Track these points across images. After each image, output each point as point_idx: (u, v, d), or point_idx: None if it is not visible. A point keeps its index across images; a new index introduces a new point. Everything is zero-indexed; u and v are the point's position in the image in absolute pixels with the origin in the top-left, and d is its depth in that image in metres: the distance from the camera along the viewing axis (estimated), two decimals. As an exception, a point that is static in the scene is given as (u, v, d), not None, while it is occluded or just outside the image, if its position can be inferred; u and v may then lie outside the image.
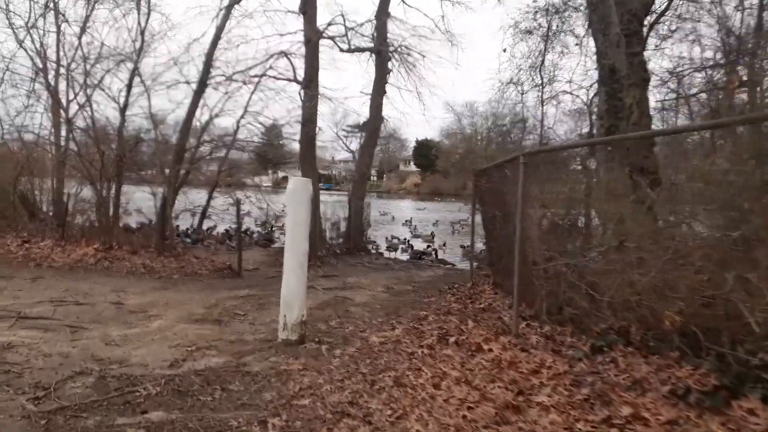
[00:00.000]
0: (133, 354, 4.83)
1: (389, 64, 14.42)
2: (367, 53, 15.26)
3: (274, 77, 12.14)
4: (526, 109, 11.83)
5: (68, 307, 6.65)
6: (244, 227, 20.03)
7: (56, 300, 7.01)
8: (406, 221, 29.10)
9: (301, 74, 12.65)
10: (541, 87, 11.67)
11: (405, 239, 19.01)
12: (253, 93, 15.67)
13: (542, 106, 11.65)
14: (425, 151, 69.86)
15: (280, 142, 17.56)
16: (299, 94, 12.63)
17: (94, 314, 6.37)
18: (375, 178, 73.38)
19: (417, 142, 64.74)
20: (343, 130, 21.07)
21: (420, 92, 14.65)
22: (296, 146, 23.17)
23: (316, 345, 5.14)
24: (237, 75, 14.40)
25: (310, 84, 11.36)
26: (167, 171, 13.50)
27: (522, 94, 11.98)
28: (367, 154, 14.28)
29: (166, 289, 8.18)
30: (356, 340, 5.38)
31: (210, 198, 16.96)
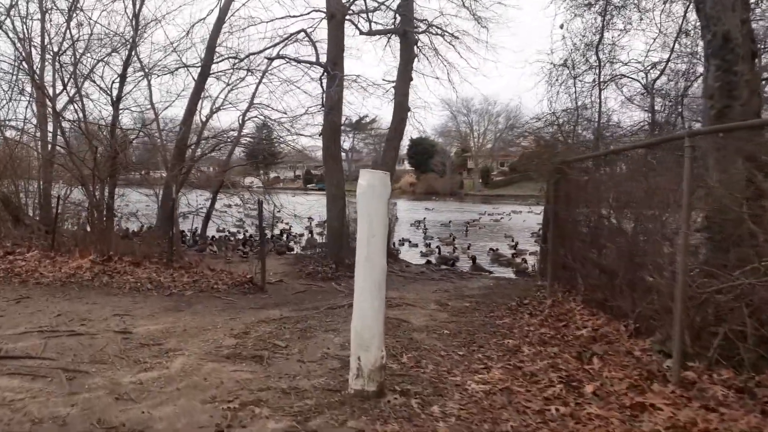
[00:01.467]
0: (156, 416, 3.57)
1: (415, 49, 13.17)
2: (386, 37, 14.08)
3: (295, 60, 10.86)
4: (583, 95, 10.60)
5: (62, 340, 5.37)
6: (245, 232, 18.80)
7: (46, 329, 5.74)
8: (417, 222, 27.87)
9: (320, 58, 11.41)
10: (598, 69, 10.43)
11: (428, 243, 17.83)
12: (260, 82, 14.51)
13: (600, 90, 10.42)
14: (420, 150, 68.98)
15: (291, 137, 16.24)
16: (320, 80, 11.37)
17: (96, 349, 5.09)
18: (370, 178, 72.18)
19: (411, 140, 63.85)
20: (318, 134, 19.90)
21: (452, 80, 13.41)
22: (305, 142, 21.93)
23: (402, 398, 3.88)
24: (248, 58, 13.20)
25: (334, 66, 10.09)
26: (169, 168, 12.27)
27: (574, 78, 10.75)
28: (392, 148, 13.00)
29: (180, 311, 6.90)
30: (450, 388, 4.12)
31: (215, 199, 15.69)
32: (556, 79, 10.72)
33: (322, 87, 11.27)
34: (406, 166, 73.22)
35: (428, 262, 13.46)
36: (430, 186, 65.73)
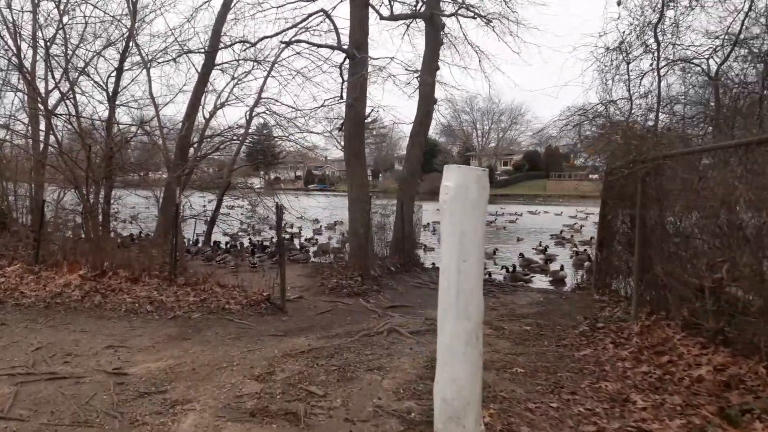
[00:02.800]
0: None
1: (441, 35, 12.05)
2: (405, 24, 12.98)
3: (314, 44, 9.71)
4: (638, 82, 9.45)
5: (38, 387, 4.27)
6: (248, 236, 17.64)
7: (20, 370, 4.64)
8: (426, 224, 26.64)
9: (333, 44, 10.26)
10: (656, 52, 9.27)
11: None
12: (269, 72, 13.44)
13: (659, 77, 9.26)
14: (425, 149, 67.50)
15: (301, 134, 15.09)
16: (339, 69, 10.25)
17: (81, 401, 3.99)
18: (371, 178, 71.43)
19: None
20: (337, 129, 19.15)
21: (483, 68, 12.30)
22: (314, 140, 20.79)
23: (512, 492, 2.74)
24: (256, 48, 12.10)
25: (358, 51, 8.95)
26: (171, 168, 11.19)
27: (628, 63, 9.60)
28: (416, 144, 11.87)
29: (186, 339, 5.79)
30: (568, 470, 2.99)
31: (220, 202, 14.57)
32: (611, 64, 9.56)
33: (342, 77, 10.16)
34: (409, 166, 72.36)
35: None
36: (434, 186, 64.37)
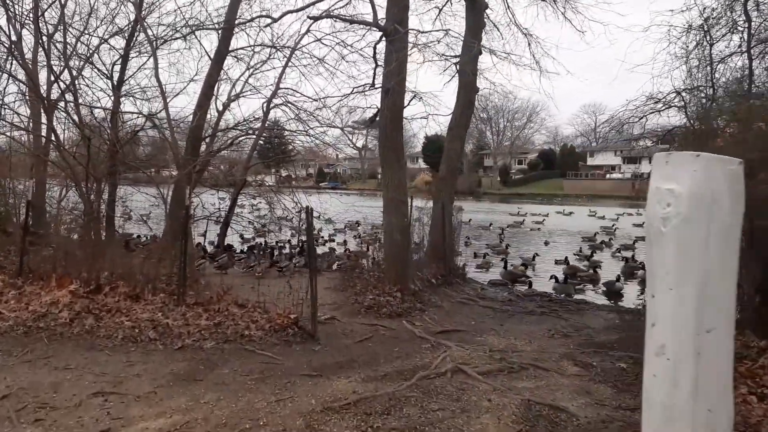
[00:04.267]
0: None
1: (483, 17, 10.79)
2: (437, 8, 11.71)
3: (347, 20, 8.45)
4: (722, 66, 8.13)
5: (-9, 466, 3.08)
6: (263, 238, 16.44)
7: (-27, 435, 3.45)
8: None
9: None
10: (747, 31, 7.93)
11: (484, 253, 15.42)
12: (290, 58, 12.26)
13: (750, 60, 7.92)
14: (436, 148, 66.57)
15: (322, 128, 13.83)
16: (373, 51, 9.00)
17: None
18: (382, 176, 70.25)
19: (426, 138, 62.20)
20: (349, 126, 17.86)
21: (534, 54, 10.97)
22: (335, 133, 19.60)
23: None
24: (275, 33, 10.88)
25: (400, 26, 7.69)
26: (181, 165, 10.05)
27: (710, 44, 8.27)
28: (457, 138, 10.61)
29: (197, 381, 4.59)
30: None
31: (235, 201, 13.40)
32: (695, 45, 8.22)
33: (375, 60, 8.91)
34: (421, 164, 72.34)
35: (503, 283, 11.06)
36: (448, 185, 63.47)
